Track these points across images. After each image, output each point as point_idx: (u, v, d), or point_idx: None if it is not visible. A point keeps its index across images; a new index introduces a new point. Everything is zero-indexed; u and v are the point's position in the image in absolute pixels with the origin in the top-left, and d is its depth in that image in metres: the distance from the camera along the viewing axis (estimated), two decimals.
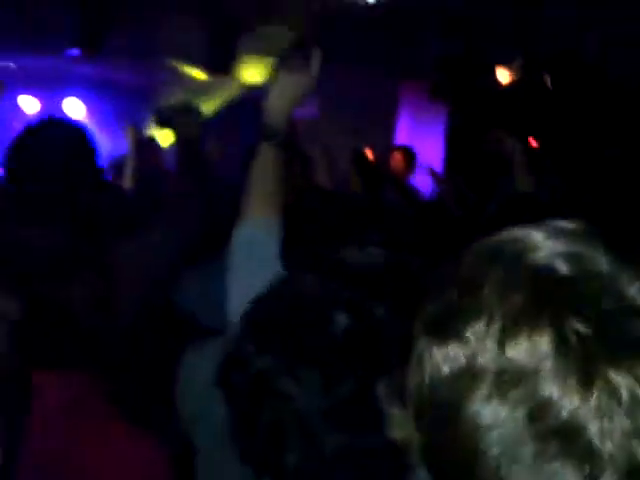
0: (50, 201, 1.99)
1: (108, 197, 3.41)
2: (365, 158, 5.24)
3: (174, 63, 7.73)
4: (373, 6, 6.25)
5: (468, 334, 0.61)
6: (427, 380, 0.65)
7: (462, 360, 0.61)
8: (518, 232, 0.66)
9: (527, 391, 0.58)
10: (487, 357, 0.60)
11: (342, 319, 0.96)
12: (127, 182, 4.14)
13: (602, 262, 0.61)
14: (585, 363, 0.56)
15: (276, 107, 1.59)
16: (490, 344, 0.60)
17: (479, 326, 0.61)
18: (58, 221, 1.92)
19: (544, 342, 0.58)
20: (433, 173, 5.76)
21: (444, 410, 0.63)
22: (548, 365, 0.57)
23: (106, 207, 3.05)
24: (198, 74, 7.74)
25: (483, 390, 0.60)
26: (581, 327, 0.57)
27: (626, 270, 0.60)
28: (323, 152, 3.82)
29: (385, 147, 6.87)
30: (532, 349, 0.58)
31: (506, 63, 6.98)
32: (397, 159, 6.13)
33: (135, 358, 2.04)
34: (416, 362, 0.67)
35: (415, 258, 1.55)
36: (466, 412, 0.61)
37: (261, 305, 1.06)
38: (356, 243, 1.50)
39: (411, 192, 5.61)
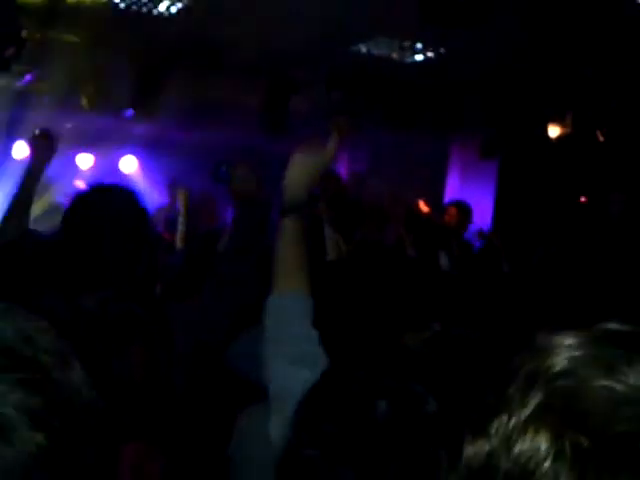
0: (107, 262, 1.99)
1: (162, 256, 3.43)
2: (417, 215, 5.18)
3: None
4: (421, 64, 6.29)
5: (491, 431, 0.63)
6: (461, 473, 0.66)
7: (483, 457, 0.62)
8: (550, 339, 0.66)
9: None
10: (500, 455, 0.61)
11: (382, 406, 1.01)
12: (178, 242, 4.19)
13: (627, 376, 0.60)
14: (578, 475, 0.57)
15: (294, 183, 1.68)
16: (503, 443, 0.61)
17: (499, 424, 0.62)
18: (114, 284, 1.91)
19: (543, 445, 0.58)
20: (481, 234, 5.71)
21: None
22: (545, 468, 0.58)
23: (160, 267, 3.06)
24: None
25: None
26: (581, 439, 0.57)
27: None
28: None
29: (435, 206, 6.83)
30: (534, 451, 0.59)
31: (557, 118, 6.92)
32: (452, 214, 6.06)
33: (189, 423, 2.01)
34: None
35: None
36: None
37: (314, 397, 1.11)
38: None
39: (465, 248, 5.55)
